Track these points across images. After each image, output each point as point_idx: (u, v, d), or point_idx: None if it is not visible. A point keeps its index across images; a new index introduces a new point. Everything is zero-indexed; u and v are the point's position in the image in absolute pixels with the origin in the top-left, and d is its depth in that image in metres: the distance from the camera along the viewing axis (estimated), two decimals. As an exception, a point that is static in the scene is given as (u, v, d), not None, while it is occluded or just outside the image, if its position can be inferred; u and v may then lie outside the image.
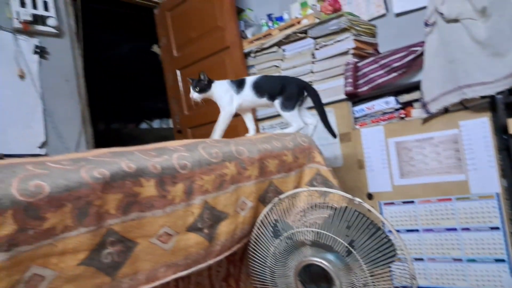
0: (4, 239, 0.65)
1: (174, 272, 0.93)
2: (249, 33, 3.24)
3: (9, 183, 0.70)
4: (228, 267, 1.37)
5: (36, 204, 0.71)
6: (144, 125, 5.90)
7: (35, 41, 2.60)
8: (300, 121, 1.71)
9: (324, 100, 2.58)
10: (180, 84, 3.52)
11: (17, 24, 2.49)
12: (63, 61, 2.75)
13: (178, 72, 3.52)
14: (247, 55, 3.05)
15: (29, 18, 2.51)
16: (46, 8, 2.63)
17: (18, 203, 0.69)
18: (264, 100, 1.72)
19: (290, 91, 1.71)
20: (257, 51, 2.97)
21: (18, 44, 2.49)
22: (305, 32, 2.70)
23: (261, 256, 1.22)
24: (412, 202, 2.14)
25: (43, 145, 2.52)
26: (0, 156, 0.88)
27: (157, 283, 0.88)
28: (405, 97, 2.26)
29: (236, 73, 2.99)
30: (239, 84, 1.74)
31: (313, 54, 2.65)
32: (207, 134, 1.77)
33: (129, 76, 5.02)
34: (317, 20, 2.64)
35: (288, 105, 1.69)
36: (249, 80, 1.74)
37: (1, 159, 0.86)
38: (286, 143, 1.47)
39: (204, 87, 1.66)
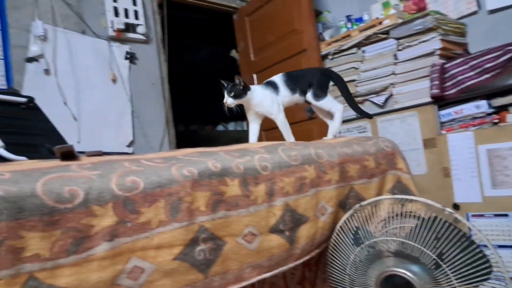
0: (107, 230, 0.70)
1: (258, 274, 0.94)
2: (326, 35, 3.20)
3: (109, 178, 0.76)
4: (304, 271, 1.36)
5: (133, 198, 0.76)
6: (220, 127, 6.10)
7: (126, 47, 2.80)
8: (338, 103, 1.69)
9: (407, 103, 2.47)
10: (257, 87, 3.57)
11: (111, 33, 2.71)
12: (150, 66, 2.93)
13: (254, 76, 3.58)
14: (324, 57, 3.01)
15: (122, 27, 2.72)
16: (136, 16, 2.83)
17: (117, 196, 0.74)
18: (297, 96, 1.66)
19: (318, 81, 1.66)
20: (335, 53, 2.92)
21: (111, 50, 2.71)
22: (387, 32, 2.60)
23: (340, 263, 1.19)
24: (506, 215, 1.95)
25: (130, 144, 2.71)
26: (99, 153, 0.95)
27: (244, 283, 0.90)
28: (499, 101, 2.07)
29: (312, 76, 2.96)
30: (273, 86, 1.67)
31: (395, 55, 2.54)
32: (280, 137, 1.78)
33: (207, 80, 5.22)
34: (400, 20, 2.53)
35: (320, 93, 1.65)
36: (278, 79, 1.67)
37: (100, 155, 0.93)
38: (368, 147, 1.42)
39: (240, 93, 1.56)
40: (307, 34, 3.00)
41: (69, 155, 0.83)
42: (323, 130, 2.86)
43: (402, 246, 1.06)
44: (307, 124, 3.01)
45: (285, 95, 1.65)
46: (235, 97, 1.57)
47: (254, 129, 1.68)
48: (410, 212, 1.14)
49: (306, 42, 3.01)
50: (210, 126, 6.08)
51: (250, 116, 1.66)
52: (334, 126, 1.72)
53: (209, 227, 0.87)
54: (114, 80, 2.70)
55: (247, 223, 0.94)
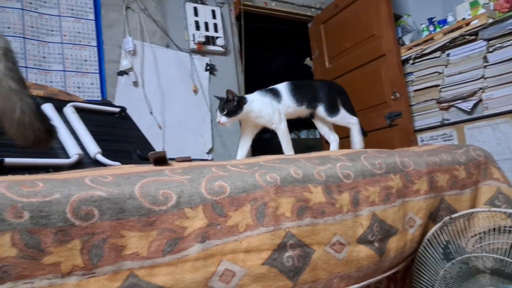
0: (198, 231, 0.73)
1: (346, 285, 0.92)
2: (407, 39, 3.06)
3: (199, 183, 0.79)
4: (389, 285, 1.30)
5: (220, 202, 0.78)
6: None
7: (206, 59, 2.93)
8: (351, 116, 1.61)
9: (499, 109, 2.27)
10: (332, 95, 3.52)
11: (192, 46, 2.85)
12: (228, 77, 3.03)
13: (330, 83, 3.54)
14: (404, 62, 2.88)
15: (202, 39, 2.85)
16: (216, 29, 2.95)
17: (206, 200, 0.77)
18: (303, 109, 1.56)
19: (329, 95, 1.59)
20: (416, 58, 2.79)
21: (193, 62, 2.85)
22: (475, 34, 2.43)
23: (428, 279, 1.12)
24: None
25: (210, 151, 2.82)
26: (188, 158, 1.00)
27: (332, 294, 0.88)
28: None
29: (392, 81, 2.86)
30: (274, 93, 1.55)
31: (485, 58, 2.36)
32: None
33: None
34: (490, 20, 2.35)
35: (334, 108, 1.57)
36: (283, 88, 1.56)
37: (189, 161, 0.97)
38: (457, 156, 1.32)
39: (235, 109, 1.40)
40: (386, 39, 2.90)
41: (161, 160, 0.89)
42: (404, 138, 2.73)
43: (501, 264, 0.97)
44: (386, 131, 2.90)
45: (290, 105, 1.53)
46: (229, 114, 1.40)
47: (245, 143, 1.54)
48: (510, 226, 1.04)
49: (385, 47, 2.91)
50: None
51: (246, 128, 1.53)
52: (356, 142, 1.61)
53: (296, 234, 0.87)
54: (195, 91, 2.83)
55: (334, 232, 0.93)
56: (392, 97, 2.84)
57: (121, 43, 2.64)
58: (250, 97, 1.48)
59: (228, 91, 1.41)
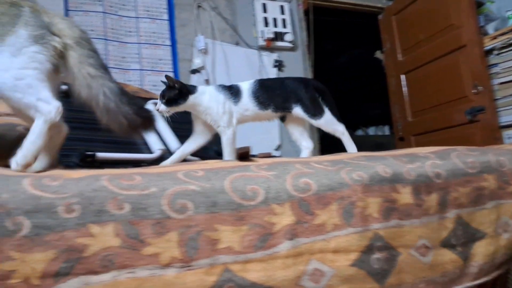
0: (287, 228, 0.72)
1: (432, 291, 0.86)
2: (490, 28, 2.83)
3: (284, 179, 0.78)
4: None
5: (307, 199, 0.77)
6: (359, 132, 5.93)
7: (274, 55, 2.93)
8: (339, 122, 1.35)
9: None
10: (404, 89, 3.37)
11: (261, 42, 2.86)
12: (296, 72, 3.01)
13: (402, 77, 3.38)
14: (488, 52, 2.67)
15: (271, 36, 2.85)
16: (284, 25, 2.94)
17: (293, 197, 0.76)
18: (268, 113, 1.34)
19: (309, 96, 1.34)
20: (502, 48, 2.57)
21: (261, 59, 2.86)
22: None
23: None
24: None
25: (278, 148, 2.82)
26: (269, 154, 0.99)
27: (417, 299, 0.84)
28: None
29: (473, 74, 2.66)
30: (233, 91, 1.35)
31: None
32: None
33: (348, 83, 5.13)
34: None
35: (318, 109, 1.32)
36: (245, 86, 1.36)
37: (270, 157, 0.97)
38: (561, 155, 1.19)
39: (175, 98, 1.24)
40: (467, 29, 2.70)
41: (245, 156, 0.89)
42: (488, 135, 2.53)
43: None
44: (466, 128, 2.70)
45: (248, 108, 1.32)
46: (168, 103, 1.24)
47: (191, 142, 1.33)
48: None
49: (465, 37, 2.71)
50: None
51: (196, 124, 1.35)
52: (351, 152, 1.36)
53: (384, 235, 0.83)
54: (263, 87, 2.84)
55: (420, 235, 0.88)
56: (473, 91, 2.64)
57: (193, 42, 2.72)
58: (202, 88, 1.31)
59: (166, 77, 1.25)
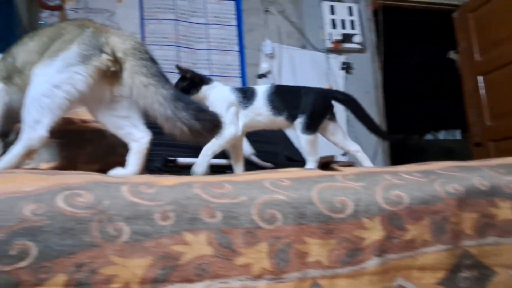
0: (376, 244, 0.69)
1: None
2: None
3: (374, 191, 0.75)
4: None
5: (398, 213, 0.73)
6: (428, 136, 5.63)
7: (342, 58, 2.87)
8: (353, 142, 1.32)
9: None
10: (482, 91, 3.14)
11: (328, 44, 2.81)
12: (364, 75, 2.92)
13: (480, 78, 3.15)
14: None
15: (339, 38, 2.80)
16: (352, 26, 2.87)
17: (383, 210, 0.72)
18: (281, 120, 1.27)
19: (314, 106, 1.26)
20: None
21: (328, 62, 2.82)
22: None
23: None
24: None
25: (345, 153, 2.75)
26: (351, 163, 0.96)
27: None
28: None
29: None
30: (247, 94, 1.29)
31: None
32: None
33: (416, 85, 4.89)
34: None
35: (311, 127, 1.25)
36: (261, 90, 1.29)
37: (351, 166, 0.94)
38: None
39: (187, 88, 1.21)
40: (560, 24, 2.46)
41: (327, 164, 0.87)
42: None
43: None
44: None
45: (260, 113, 1.27)
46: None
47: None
48: None
49: (557, 34, 2.47)
50: (417, 135, 5.67)
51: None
52: None
53: (475, 253, 0.77)
54: (330, 90, 2.79)
55: (522, 253, 0.80)
56: None
57: (260, 47, 2.74)
58: (216, 83, 1.30)
59: (177, 66, 1.24)
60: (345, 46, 2.86)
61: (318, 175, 0.78)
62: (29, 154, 0.91)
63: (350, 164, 0.93)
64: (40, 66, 0.93)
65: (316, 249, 0.66)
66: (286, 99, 1.29)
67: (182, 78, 1.24)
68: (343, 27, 2.86)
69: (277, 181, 0.73)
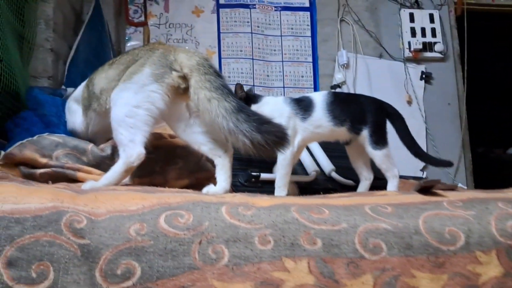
0: (495, 281, 0.62)
1: None
2: None
3: (487, 221, 0.68)
4: None
5: (517, 248, 0.65)
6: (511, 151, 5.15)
7: (421, 67, 2.72)
8: (395, 164, 1.26)
9: None
10: None
11: (407, 54, 2.68)
12: (446, 85, 2.74)
13: None
14: None
15: (419, 47, 2.66)
16: (433, 34, 2.71)
17: (499, 243, 0.65)
18: (343, 131, 1.19)
19: (376, 119, 1.21)
20: None
21: (407, 72, 2.68)
22: None
23: None
24: None
25: (423, 168, 2.59)
26: (453, 186, 0.88)
27: None
28: None
29: None
30: (303, 105, 1.18)
31: None
32: None
33: (504, 95, 4.51)
34: None
35: (380, 139, 1.20)
36: (318, 97, 1.19)
37: (453, 190, 0.85)
38: None
39: None
40: None
41: (428, 189, 0.81)
42: None
43: None
44: None
45: (321, 124, 1.17)
46: None
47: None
48: None
49: None
50: (500, 149, 5.22)
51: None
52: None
53: None
54: (409, 102, 2.66)
55: None
56: None
57: (334, 57, 2.68)
58: (266, 99, 1.23)
59: (237, 85, 1.19)
60: (424, 55, 2.71)
61: (422, 201, 0.73)
62: (128, 171, 0.96)
63: (452, 188, 0.86)
64: (117, 90, 1.00)
65: (427, 284, 0.61)
66: (347, 108, 1.22)
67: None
68: (423, 35, 2.72)
69: (378, 208, 0.69)
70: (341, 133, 1.23)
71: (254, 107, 1.18)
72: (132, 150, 0.95)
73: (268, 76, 2.60)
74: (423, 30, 2.72)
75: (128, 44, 2.49)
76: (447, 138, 2.68)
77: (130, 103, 0.96)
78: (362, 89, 2.64)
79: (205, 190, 0.94)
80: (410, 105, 2.66)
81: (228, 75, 2.54)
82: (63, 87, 1.81)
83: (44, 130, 1.26)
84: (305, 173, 1.47)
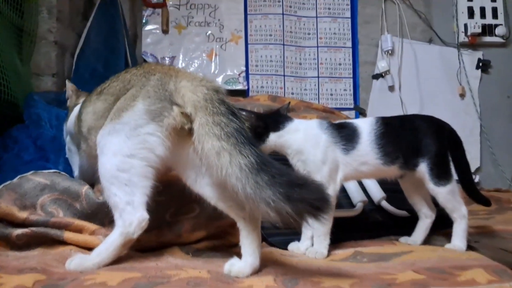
0: None
1: None
2: None
3: None
4: None
5: None
6: None
7: (478, 54, 2.36)
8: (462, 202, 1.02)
9: None
10: None
11: (463, 38, 2.32)
12: (506, 75, 2.38)
13: None
14: None
15: (477, 30, 2.28)
16: (494, 15, 2.33)
17: None
18: (394, 169, 1.00)
19: (438, 147, 1.00)
20: None
21: (461, 59, 2.33)
22: None
23: None
24: None
25: (476, 171, 2.29)
26: None
27: None
28: None
29: None
30: (345, 132, 0.98)
31: None
32: None
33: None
34: None
35: (444, 172, 1.00)
36: (365, 126, 0.96)
37: None
38: None
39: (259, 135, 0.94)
40: None
41: None
42: None
43: None
44: None
45: (367, 160, 0.97)
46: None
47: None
48: None
49: None
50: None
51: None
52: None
53: None
54: (462, 95, 2.32)
55: None
56: None
57: (377, 42, 2.35)
58: (294, 124, 0.99)
59: (251, 115, 0.96)
60: (483, 39, 2.34)
61: None
62: (127, 244, 0.74)
63: None
64: (103, 133, 0.77)
65: None
66: (399, 139, 1.01)
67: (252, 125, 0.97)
68: (482, 16, 2.33)
69: None
70: (391, 172, 1.03)
71: (274, 136, 0.97)
72: (131, 215, 0.73)
73: (300, 64, 2.31)
74: (482, 10, 2.34)
75: (146, 28, 2.23)
76: (505, 137, 2.35)
77: (122, 152, 0.74)
78: (408, 79, 2.32)
79: (227, 268, 0.72)
80: (463, 98, 2.34)
81: (255, 64, 2.26)
82: (70, 84, 1.59)
83: (36, 157, 1.06)
84: (349, 202, 1.22)
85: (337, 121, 1.07)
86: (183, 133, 0.75)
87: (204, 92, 0.73)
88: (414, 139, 1.02)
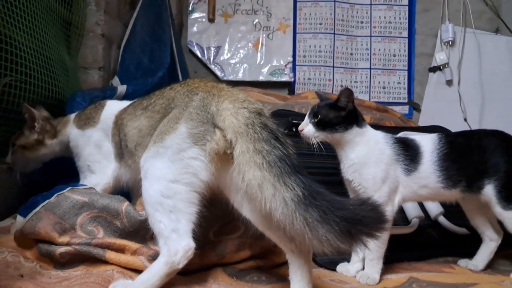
0: None
1: None
2: None
3: None
4: None
5: None
6: None
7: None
8: None
9: None
10: None
11: (535, 28, 2.09)
12: None
13: None
14: None
15: (554, 20, 2.05)
16: None
17: None
18: (454, 193, 0.92)
19: (509, 165, 0.90)
20: None
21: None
22: None
23: None
24: None
25: None
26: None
27: None
28: None
29: None
30: (408, 150, 0.91)
31: None
32: None
33: None
34: None
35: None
36: (428, 144, 0.91)
37: None
38: None
39: (336, 121, 0.87)
40: None
41: None
42: None
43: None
44: None
45: (427, 184, 0.89)
46: (320, 125, 0.87)
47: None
48: None
49: None
50: None
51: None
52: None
53: None
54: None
55: None
56: None
57: (436, 32, 2.17)
58: (371, 130, 0.92)
59: (342, 92, 0.87)
60: None
61: None
62: (171, 274, 0.71)
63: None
64: (147, 156, 0.74)
65: None
66: (464, 160, 0.93)
67: (333, 106, 0.90)
68: (562, 2, 2.09)
69: None
70: (451, 196, 0.96)
71: (356, 130, 0.90)
72: (176, 243, 0.69)
73: (351, 54, 2.18)
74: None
75: (192, 17, 2.18)
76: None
77: (166, 177, 0.70)
78: (468, 73, 2.14)
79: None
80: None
81: (303, 54, 2.16)
82: (116, 77, 1.58)
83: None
84: (403, 216, 1.14)
85: (399, 134, 1.00)
86: (226, 157, 0.71)
87: (245, 116, 0.69)
88: (481, 159, 0.94)
